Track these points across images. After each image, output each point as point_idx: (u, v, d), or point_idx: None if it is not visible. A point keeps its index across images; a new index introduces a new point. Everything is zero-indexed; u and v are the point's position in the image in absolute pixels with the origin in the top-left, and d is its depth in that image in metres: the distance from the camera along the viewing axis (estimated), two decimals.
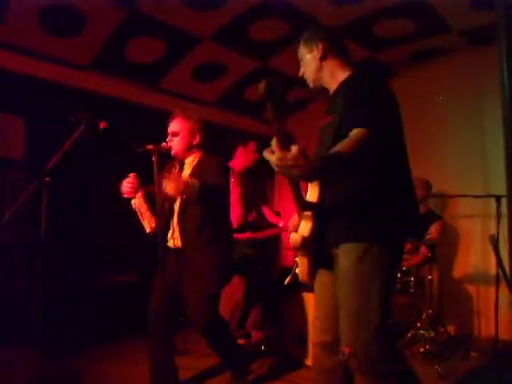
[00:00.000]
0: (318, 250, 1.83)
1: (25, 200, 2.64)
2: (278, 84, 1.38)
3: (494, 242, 3.72)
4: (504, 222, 3.80)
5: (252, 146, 4.20)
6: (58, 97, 3.94)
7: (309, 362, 3.42)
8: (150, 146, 2.89)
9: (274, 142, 1.44)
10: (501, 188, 3.99)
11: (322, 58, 1.98)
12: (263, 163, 4.95)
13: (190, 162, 2.95)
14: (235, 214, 3.98)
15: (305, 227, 1.77)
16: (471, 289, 4.42)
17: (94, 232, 4.19)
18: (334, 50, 1.98)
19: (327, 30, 2.10)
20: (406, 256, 3.99)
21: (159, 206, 2.76)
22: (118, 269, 4.32)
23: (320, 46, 1.97)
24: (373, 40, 4.34)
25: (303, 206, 1.81)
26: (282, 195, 6.22)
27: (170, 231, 2.91)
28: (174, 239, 2.88)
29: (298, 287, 3.71)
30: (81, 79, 4.16)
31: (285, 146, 1.43)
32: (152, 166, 2.89)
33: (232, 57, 4.47)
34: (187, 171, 2.91)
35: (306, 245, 1.78)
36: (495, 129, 4.36)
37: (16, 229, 3.37)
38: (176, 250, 2.87)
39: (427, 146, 4.61)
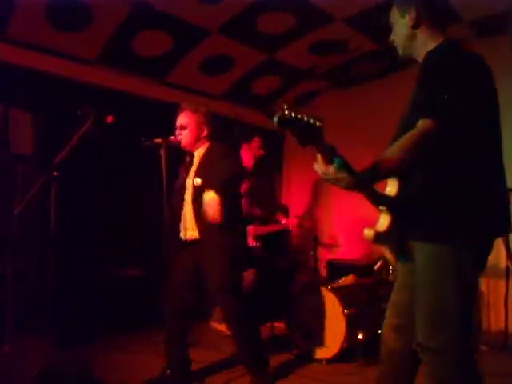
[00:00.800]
0: (399, 242, 1.79)
1: (34, 194, 2.66)
2: (289, 111, 1.36)
3: (505, 236, 3.70)
4: None
5: (256, 142, 4.18)
6: (66, 91, 3.95)
7: (317, 355, 3.45)
8: (158, 140, 2.91)
9: (318, 157, 1.50)
10: None
11: (415, 26, 1.78)
12: (271, 156, 4.95)
13: (199, 153, 2.99)
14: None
15: (382, 222, 1.74)
16: (481, 282, 4.39)
17: (101, 226, 4.20)
18: (429, 17, 1.77)
19: None
20: None
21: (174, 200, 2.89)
22: (126, 262, 4.34)
23: (414, 12, 1.76)
24: (382, 31, 4.29)
25: (380, 200, 1.74)
26: (290, 188, 6.21)
27: (182, 223, 2.93)
28: (186, 230, 2.90)
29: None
30: (88, 74, 4.17)
31: (328, 160, 1.49)
32: (160, 160, 2.91)
33: (239, 49, 4.45)
34: (196, 163, 2.96)
35: (381, 239, 1.75)
36: (507, 121, 4.32)
37: (26, 222, 3.39)
38: (191, 242, 2.89)
39: None
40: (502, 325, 3.78)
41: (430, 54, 1.76)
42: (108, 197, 4.23)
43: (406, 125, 1.63)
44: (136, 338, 3.89)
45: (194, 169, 2.94)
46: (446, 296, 1.61)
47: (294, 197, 6.08)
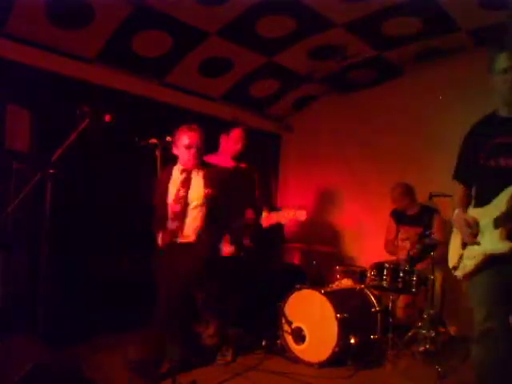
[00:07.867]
0: None
1: (29, 192, 2.66)
2: None
3: None
4: None
5: (235, 133, 3.90)
6: (65, 89, 3.93)
7: (309, 359, 3.45)
8: (153, 140, 2.91)
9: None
10: None
11: None
12: (267, 158, 4.93)
13: (197, 172, 3.22)
14: None
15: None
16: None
17: (93, 226, 4.18)
18: None
19: None
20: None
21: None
22: (119, 261, 4.33)
23: None
24: (380, 38, 4.32)
25: None
26: (287, 191, 6.21)
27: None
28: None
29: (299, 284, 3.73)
30: (87, 72, 4.16)
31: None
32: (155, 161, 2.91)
33: (238, 52, 4.45)
34: (199, 182, 3.20)
35: None
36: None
37: (19, 220, 3.38)
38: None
39: (432, 145, 4.60)
40: None
41: None
42: (103, 196, 4.22)
43: None
44: (126, 337, 3.86)
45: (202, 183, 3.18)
46: None
47: (291, 200, 6.08)
